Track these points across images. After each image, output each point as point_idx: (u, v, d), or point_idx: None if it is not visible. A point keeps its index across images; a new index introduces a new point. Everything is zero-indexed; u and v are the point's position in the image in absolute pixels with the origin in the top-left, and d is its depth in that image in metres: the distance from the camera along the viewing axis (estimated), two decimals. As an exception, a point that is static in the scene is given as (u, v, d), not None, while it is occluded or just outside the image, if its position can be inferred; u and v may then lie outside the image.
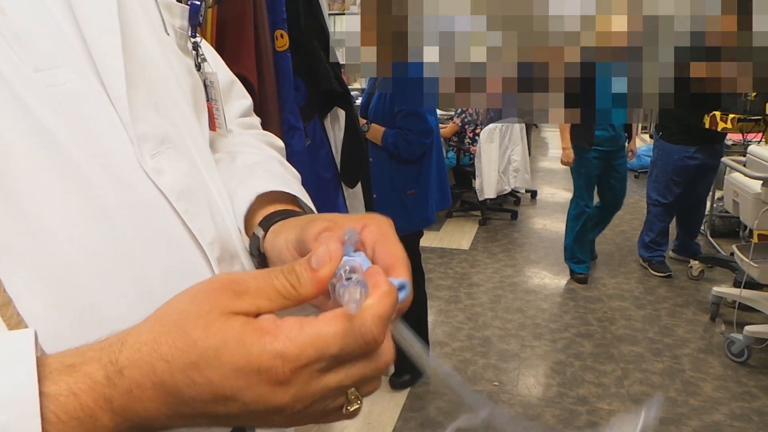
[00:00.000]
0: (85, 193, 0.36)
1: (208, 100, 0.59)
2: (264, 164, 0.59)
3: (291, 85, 1.64)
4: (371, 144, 2.37)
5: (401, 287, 0.35)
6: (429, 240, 4.52)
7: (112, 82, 0.40)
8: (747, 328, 2.71)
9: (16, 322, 0.32)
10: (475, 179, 4.84)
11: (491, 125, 4.76)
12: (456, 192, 5.28)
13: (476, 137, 4.90)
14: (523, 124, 5.00)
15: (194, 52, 0.58)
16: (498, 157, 4.76)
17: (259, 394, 0.30)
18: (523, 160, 4.97)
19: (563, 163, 3.48)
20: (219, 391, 0.30)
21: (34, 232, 0.34)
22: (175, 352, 0.30)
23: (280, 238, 0.44)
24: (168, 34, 0.53)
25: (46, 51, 0.37)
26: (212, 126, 0.60)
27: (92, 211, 0.37)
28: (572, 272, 3.78)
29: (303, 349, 0.29)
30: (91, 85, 0.39)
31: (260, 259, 0.48)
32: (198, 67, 0.58)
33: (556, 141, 9.97)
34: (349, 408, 0.34)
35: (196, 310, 0.31)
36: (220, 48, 1.51)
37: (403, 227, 2.38)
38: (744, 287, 2.84)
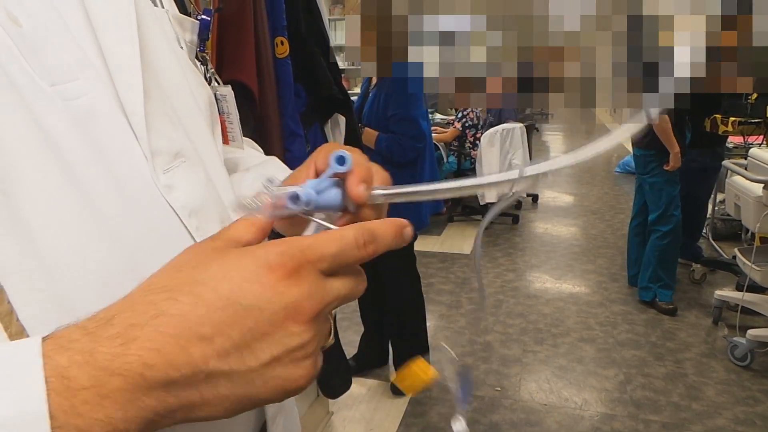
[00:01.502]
0: (94, 211, 0.36)
1: (220, 114, 0.59)
2: (268, 161, 0.60)
3: (291, 91, 1.64)
4: (364, 147, 2.37)
5: (340, 161, 0.39)
6: (430, 244, 4.52)
7: (129, 95, 0.40)
8: (750, 331, 2.70)
9: (17, 330, 0.31)
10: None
11: (492, 129, 4.77)
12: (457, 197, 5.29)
13: (477, 141, 4.91)
14: (524, 128, 5.01)
15: (203, 67, 0.58)
16: (499, 162, 4.76)
17: (275, 292, 0.30)
18: (524, 164, 4.97)
19: (672, 168, 3.10)
20: (233, 298, 0.29)
21: (40, 250, 0.33)
22: (173, 280, 0.30)
23: None
24: (182, 48, 0.53)
25: (62, 64, 0.37)
26: (225, 139, 0.61)
27: (101, 229, 0.36)
28: (655, 301, 3.36)
29: (304, 248, 0.32)
30: (105, 99, 0.39)
31: None
32: (209, 81, 0.59)
33: (556, 145, 9.98)
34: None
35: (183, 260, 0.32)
36: (220, 55, 1.52)
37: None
38: (746, 290, 2.83)
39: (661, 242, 3.26)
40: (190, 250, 0.33)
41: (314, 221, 0.39)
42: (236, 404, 0.31)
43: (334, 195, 0.39)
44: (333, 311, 0.35)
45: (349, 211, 0.40)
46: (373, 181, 0.41)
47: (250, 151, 0.71)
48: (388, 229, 0.35)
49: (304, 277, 0.31)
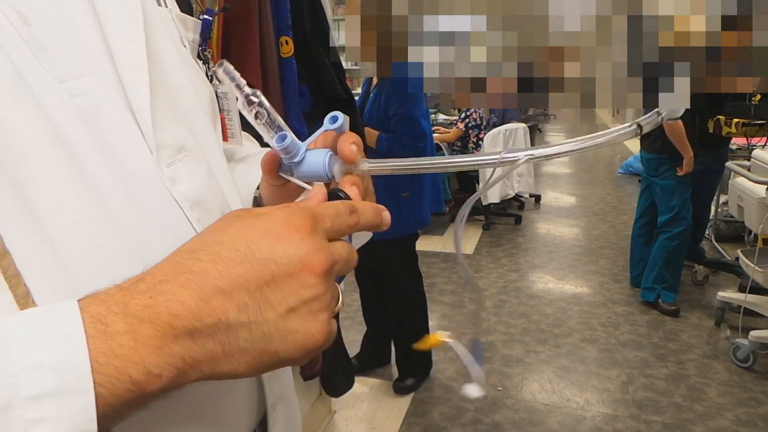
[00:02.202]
0: (101, 202, 0.37)
1: (220, 111, 0.60)
2: (263, 150, 0.63)
3: (296, 91, 1.65)
4: (366, 147, 2.38)
5: (333, 120, 0.42)
6: (432, 244, 4.52)
7: (135, 92, 0.41)
8: (752, 333, 2.69)
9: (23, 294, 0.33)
10: (478, 184, 4.84)
11: (495, 130, 4.77)
12: (460, 197, 5.29)
13: (480, 142, 4.91)
14: (527, 129, 5.01)
15: (205, 66, 0.60)
16: (502, 162, 4.75)
17: (289, 244, 0.33)
18: (527, 164, 4.96)
19: (685, 173, 3.10)
20: (250, 253, 0.32)
21: (52, 239, 0.34)
22: (197, 243, 0.33)
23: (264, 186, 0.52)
24: (185, 46, 0.54)
25: (70, 61, 0.38)
26: (224, 136, 0.62)
27: (108, 219, 0.37)
28: (657, 301, 3.37)
29: (312, 208, 0.35)
30: (112, 96, 0.40)
31: None
32: (210, 80, 0.60)
33: (560, 146, 9.95)
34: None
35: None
36: (225, 54, 1.53)
37: (399, 229, 2.40)
38: (749, 292, 2.83)
39: (670, 243, 3.25)
40: (217, 222, 0.36)
41: (294, 182, 0.43)
42: (257, 359, 0.32)
43: (320, 161, 0.42)
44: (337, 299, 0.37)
45: (334, 179, 0.43)
46: (361, 152, 0.44)
47: (247, 143, 0.72)
48: (367, 205, 0.39)
49: (314, 234, 0.34)
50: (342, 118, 0.42)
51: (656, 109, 0.44)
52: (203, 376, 0.32)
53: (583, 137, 0.41)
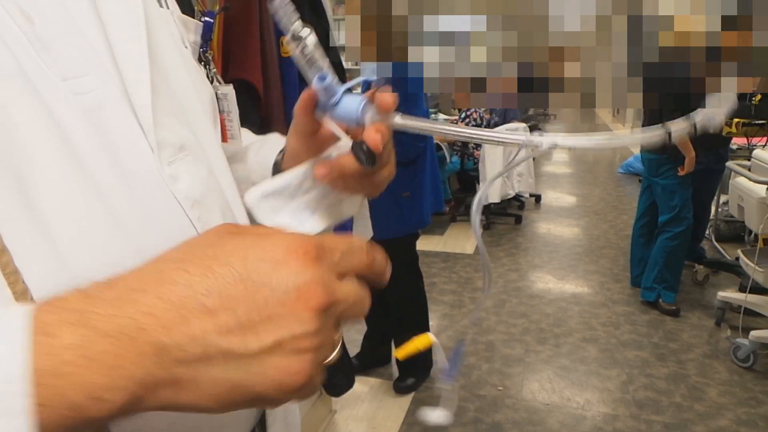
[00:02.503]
0: (102, 199, 0.37)
1: (220, 112, 0.61)
2: (270, 135, 0.64)
3: (297, 90, 1.65)
4: None
5: (322, 80, 0.43)
6: (433, 244, 4.52)
7: (137, 90, 0.41)
8: (753, 333, 2.69)
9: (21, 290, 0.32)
10: (479, 183, 4.85)
11: (496, 129, 4.77)
12: (460, 196, 5.29)
13: (480, 142, 4.91)
14: (528, 129, 5.01)
15: (206, 67, 0.60)
16: (502, 162, 4.76)
17: (290, 272, 0.30)
18: (527, 164, 4.97)
19: (686, 173, 3.11)
20: (246, 274, 0.29)
21: (52, 235, 0.34)
22: (186, 254, 0.30)
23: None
24: (186, 47, 0.55)
25: (73, 59, 0.38)
26: (224, 137, 0.63)
27: (108, 216, 0.37)
28: (657, 300, 3.38)
29: (321, 238, 0.33)
30: (114, 94, 0.40)
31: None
32: (210, 81, 0.60)
33: (560, 146, 9.95)
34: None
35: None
36: (226, 54, 1.53)
37: (399, 229, 2.40)
38: (749, 292, 2.83)
39: (671, 243, 3.26)
40: (206, 233, 0.33)
41: (328, 124, 0.44)
42: (228, 393, 0.29)
43: (355, 105, 0.43)
44: (340, 334, 0.35)
45: (363, 124, 0.43)
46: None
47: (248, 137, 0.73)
48: (383, 256, 0.38)
49: (318, 265, 0.31)
50: (330, 76, 0.43)
51: (690, 114, 0.42)
52: (160, 406, 0.28)
53: (608, 135, 0.40)
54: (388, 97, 0.42)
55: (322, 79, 0.42)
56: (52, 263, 0.34)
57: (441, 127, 0.43)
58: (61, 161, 0.35)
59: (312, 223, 0.49)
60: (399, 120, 0.43)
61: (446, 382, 0.43)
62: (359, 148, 0.42)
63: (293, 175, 0.49)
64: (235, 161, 0.61)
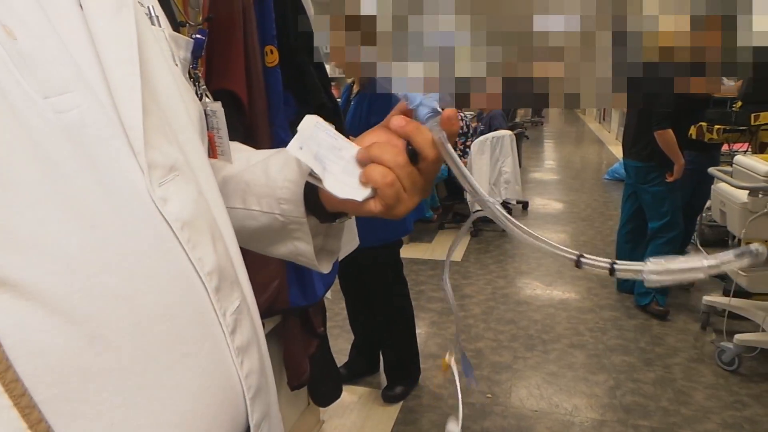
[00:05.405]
0: (84, 220, 0.36)
1: (209, 129, 0.61)
2: (281, 150, 0.65)
3: (281, 100, 1.64)
4: None
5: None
6: (420, 251, 4.52)
7: (128, 111, 0.40)
8: (737, 336, 2.72)
9: (20, 394, 0.32)
10: (466, 191, 4.86)
11: (482, 137, 4.79)
12: (447, 204, 5.30)
13: (467, 149, 4.93)
14: (514, 136, 5.04)
15: (195, 84, 0.60)
16: (489, 169, 4.78)
17: None
18: (514, 171, 5.00)
19: (674, 179, 3.16)
20: None
21: (33, 265, 0.33)
22: None
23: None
24: (176, 65, 0.54)
25: (56, 77, 0.37)
26: (213, 153, 0.63)
27: (92, 238, 0.36)
28: (650, 304, 3.41)
29: None
30: (100, 112, 0.39)
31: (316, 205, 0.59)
32: (200, 97, 0.60)
33: (548, 152, 10.04)
34: None
35: None
36: (209, 64, 1.52)
37: (382, 237, 2.39)
38: (733, 296, 2.86)
39: (665, 248, 3.30)
40: None
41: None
42: None
43: (427, 104, 0.49)
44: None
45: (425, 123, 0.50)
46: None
47: (239, 154, 0.72)
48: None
49: None
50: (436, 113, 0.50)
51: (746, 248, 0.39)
52: None
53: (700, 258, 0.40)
54: (454, 121, 0.48)
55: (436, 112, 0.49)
56: (36, 289, 0.33)
57: (468, 177, 0.52)
58: (39, 181, 0.34)
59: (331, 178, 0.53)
60: (446, 146, 0.49)
61: (473, 383, 0.49)
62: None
63: (347, 144, 0.56)
64: (249, 179, 0.63)
